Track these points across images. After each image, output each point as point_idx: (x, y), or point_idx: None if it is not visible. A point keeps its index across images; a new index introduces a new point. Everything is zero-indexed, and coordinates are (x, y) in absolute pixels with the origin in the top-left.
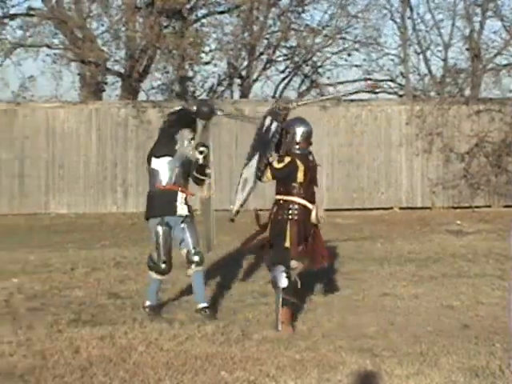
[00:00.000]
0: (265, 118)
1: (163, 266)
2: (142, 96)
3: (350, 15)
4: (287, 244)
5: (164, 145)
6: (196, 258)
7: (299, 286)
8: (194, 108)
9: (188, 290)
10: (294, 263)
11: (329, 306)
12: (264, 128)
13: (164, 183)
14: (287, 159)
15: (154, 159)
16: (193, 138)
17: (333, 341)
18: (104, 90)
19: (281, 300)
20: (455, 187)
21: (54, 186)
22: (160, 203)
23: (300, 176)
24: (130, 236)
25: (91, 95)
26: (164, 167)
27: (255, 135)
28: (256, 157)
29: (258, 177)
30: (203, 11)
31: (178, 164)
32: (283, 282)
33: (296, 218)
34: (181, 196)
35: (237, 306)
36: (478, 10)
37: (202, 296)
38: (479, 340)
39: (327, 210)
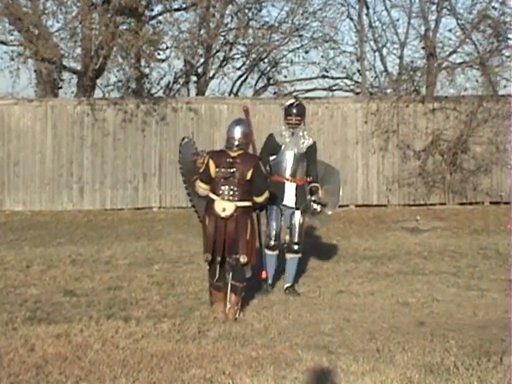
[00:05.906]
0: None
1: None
2: (98, 93)
3: (307, 12)
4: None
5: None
6: (295, 247)
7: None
8: None
9: (145, 289)
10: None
11: (285, 303)
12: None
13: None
14: (205, 159)
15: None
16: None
17: (289, 338)
18: (60, 88)
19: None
20: (411, 185)
21: (9, 183)
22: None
23: (212, 172)
24: (85, 233)
25: (48, 92)
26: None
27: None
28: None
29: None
30: (159, 8)
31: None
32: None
33: (210, 211)
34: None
35: (193, 303)
36: (434, 8)
37: (290, 278)
38: (434, 337)
39: None
